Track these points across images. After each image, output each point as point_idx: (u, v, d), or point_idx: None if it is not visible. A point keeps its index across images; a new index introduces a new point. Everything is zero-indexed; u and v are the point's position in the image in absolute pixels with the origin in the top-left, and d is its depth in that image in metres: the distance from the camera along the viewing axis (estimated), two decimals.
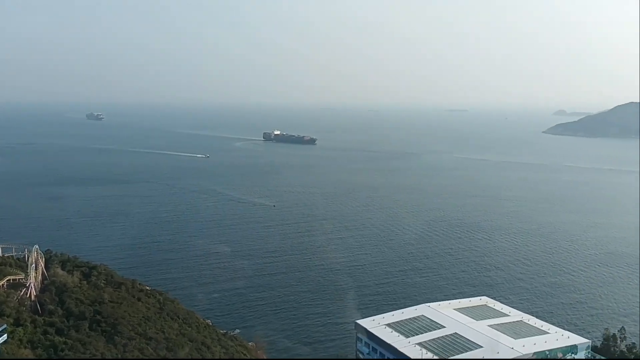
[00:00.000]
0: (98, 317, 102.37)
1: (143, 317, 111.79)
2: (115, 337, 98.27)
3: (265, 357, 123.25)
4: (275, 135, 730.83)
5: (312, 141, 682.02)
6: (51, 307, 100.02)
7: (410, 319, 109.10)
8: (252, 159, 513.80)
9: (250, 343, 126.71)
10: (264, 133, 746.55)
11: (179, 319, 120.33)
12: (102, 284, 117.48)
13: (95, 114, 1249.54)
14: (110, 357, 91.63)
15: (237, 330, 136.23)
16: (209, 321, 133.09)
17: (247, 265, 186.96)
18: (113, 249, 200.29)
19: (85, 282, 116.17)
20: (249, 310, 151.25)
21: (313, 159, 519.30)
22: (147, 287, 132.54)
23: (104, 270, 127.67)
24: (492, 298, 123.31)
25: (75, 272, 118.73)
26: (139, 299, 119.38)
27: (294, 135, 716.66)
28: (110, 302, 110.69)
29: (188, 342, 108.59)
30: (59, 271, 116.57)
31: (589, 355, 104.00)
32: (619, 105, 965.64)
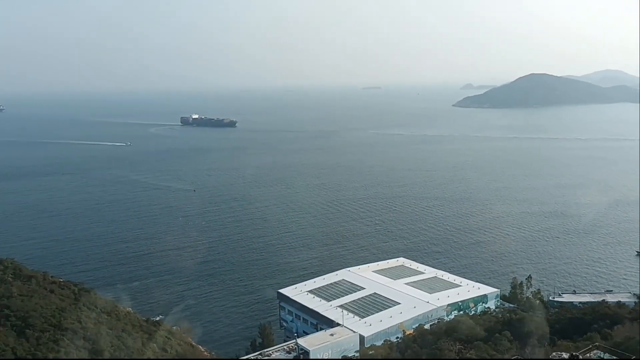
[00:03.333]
0: (6, 311, 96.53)
1: (57, 308, 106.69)
2: (27, 330, 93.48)
3: (190, 340, 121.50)
4: (194, 119, 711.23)
5: (232, 124, 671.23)
6: None
7: (331, 284, 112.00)
8: (170, 144, 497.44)
9: (174, 327, 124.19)
10: (182, 117, 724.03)
11: (97, 308, 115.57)
12: (9, 278, 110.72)
13: None
14: (23, 353, 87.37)
15: (161, 317, 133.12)
16: (129, 309, 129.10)
17: (167, 252, 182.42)
18: (22, 244, 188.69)
19: None
20: (171, 296, 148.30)
21: (234, 142, 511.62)
22: (61, 280, 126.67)
23: (11, 264, 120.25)
24: (409, 259, 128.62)
25: None
26: (51, 291, 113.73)
27: (213, 119, 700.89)
28: (20, 295, 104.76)
29: (107, 330, 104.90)
30: None
31: (499, 303, 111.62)
32: (520, 77, 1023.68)
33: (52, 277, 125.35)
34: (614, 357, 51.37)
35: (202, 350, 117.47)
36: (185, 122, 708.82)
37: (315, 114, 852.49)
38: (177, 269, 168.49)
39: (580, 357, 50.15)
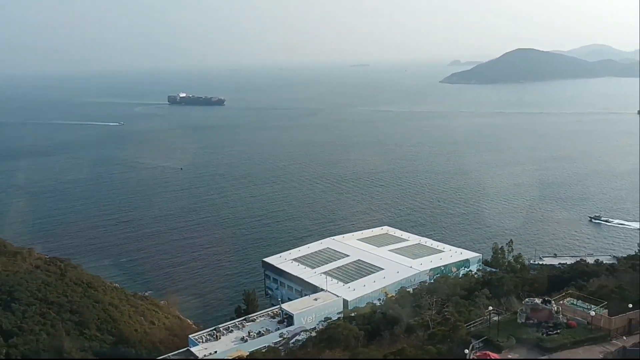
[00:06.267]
0: None
1: (43, 283, 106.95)
2: (12, 304, 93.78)
3: (178, 314, 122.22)
4: (181, 97, 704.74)
5: (220, 102, 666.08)
6: None
7: (315, 252, 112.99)
8: (158, 124, 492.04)
9: (162, 301, 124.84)
10: (169, 96, 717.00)
11: (83, 283, 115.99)
12: None
13: None
14: (9, 325, 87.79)
15: (149, 292, 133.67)
16: (116, 284, 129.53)
17: (154, 229, 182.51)
18: (8, 223, 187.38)
19: None
20: (159, 271, 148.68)
21: (222, 120, 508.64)
22: (46, 256, 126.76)
23: None
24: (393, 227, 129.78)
25: None
26: (37, 267, 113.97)
27: (201, 97, 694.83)
28: (5, 271, 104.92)
29: (94, 303, 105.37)
30: None
31: (480, 267, 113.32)
32: (506, 53, 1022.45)
33: (37, 253, 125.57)
34: (585, 303, 52.70)
35: (190, 323, 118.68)
36: (172, 101, 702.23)
37: (303, 92, 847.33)
38: (164, 244, 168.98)
39: (552, 300, 51.34)
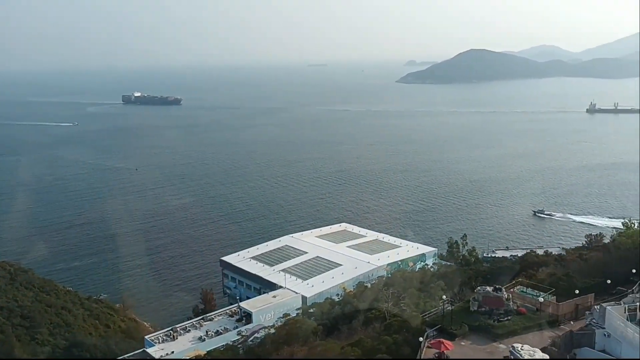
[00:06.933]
0: None
1: None
2: None
3: (134, 316, 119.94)
4: (136, 97, 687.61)
5: (177, 101, 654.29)
6: None
7: (274, 250, 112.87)
8: (112, 124, 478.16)
9: (117, 305, 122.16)
10: (123, 96, 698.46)
11: (35, 287, 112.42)
12: None
13: None
14: None
15: (104, 295, 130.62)
16: (69, 288, 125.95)
17: (109, 231, 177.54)
18: None
19: None
20: (114, 274, 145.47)
21: (179, 120, 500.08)
22: None
23: None
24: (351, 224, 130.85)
25: None
26: None
27: (157, 97, 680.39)
28: None
29: (46, 307, 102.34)
30: None
31: (436, 261, 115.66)
32: (460, 53, 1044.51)
33: None
34: (535, 291, 54.70)
35: (147, 325, 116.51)
36: (127, 100, 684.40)
37: (261, 91, 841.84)
38: (120, 247, 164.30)
39: (503, 288, 53.06)
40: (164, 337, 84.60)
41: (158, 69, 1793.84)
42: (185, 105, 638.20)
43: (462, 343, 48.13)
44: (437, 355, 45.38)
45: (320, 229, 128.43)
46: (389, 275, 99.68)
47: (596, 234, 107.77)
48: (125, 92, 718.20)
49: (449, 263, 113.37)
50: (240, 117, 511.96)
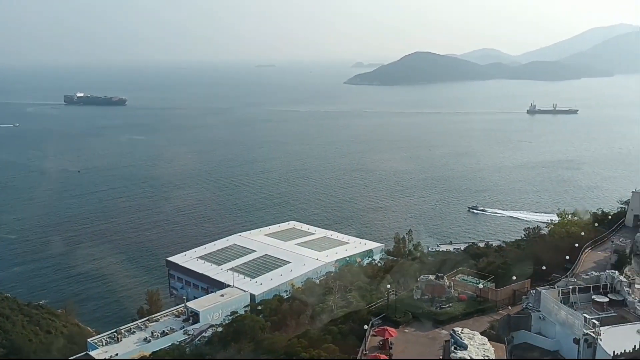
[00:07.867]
0: None
1: None
2: None
3: (77, 321, 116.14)
4: (79, 97, 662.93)
5: (121, 102, 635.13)
6: None
7: (222, 249, 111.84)
8: (54, 125, 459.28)
9: (59, 310, 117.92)
10: (65, 96, 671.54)
11: None
12: None
13: None
14: None
15: (44, 301, 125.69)
16: (7, 294, 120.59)
17: (49, 236, 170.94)
18: None
19: None
20: (56, 280, 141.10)
21: (123, 120, 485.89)
22: None
23: None
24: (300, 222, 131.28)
25: None
26: None
27: (100, 97, 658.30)
28: None
29: None
30: None
31: (383, 257, 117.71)
32: (406, 55, 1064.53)
33: None
34: (475, 278, 56.71)
35: (91, 330, 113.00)
36: (69, 100, 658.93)
37: (208, 91, 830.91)
38: (61, 252, 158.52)
39: (445, 276, 54.77)
40: (108, 340, 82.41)
41: (101, 67, 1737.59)
42: (130, 106, 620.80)
43: (406, 330, 49.35)
44: (381, 342, 46.34)
45: (269, 227, 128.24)
46: (337, 271, 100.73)
47: (534, 227, 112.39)
48: (67, 92, 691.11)
49: (395, 258, 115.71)
50: (187, 117, 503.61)
